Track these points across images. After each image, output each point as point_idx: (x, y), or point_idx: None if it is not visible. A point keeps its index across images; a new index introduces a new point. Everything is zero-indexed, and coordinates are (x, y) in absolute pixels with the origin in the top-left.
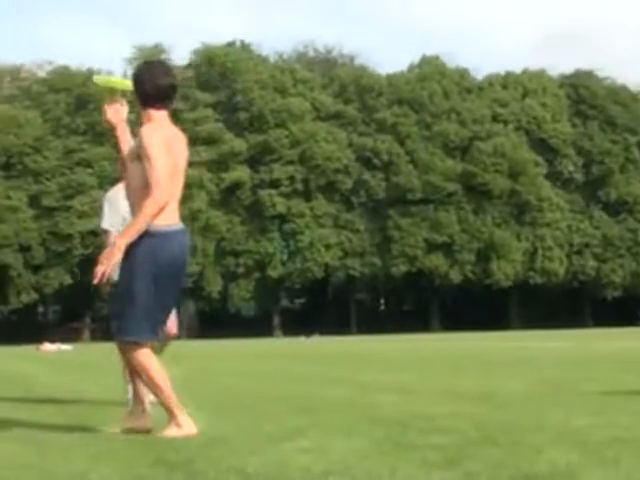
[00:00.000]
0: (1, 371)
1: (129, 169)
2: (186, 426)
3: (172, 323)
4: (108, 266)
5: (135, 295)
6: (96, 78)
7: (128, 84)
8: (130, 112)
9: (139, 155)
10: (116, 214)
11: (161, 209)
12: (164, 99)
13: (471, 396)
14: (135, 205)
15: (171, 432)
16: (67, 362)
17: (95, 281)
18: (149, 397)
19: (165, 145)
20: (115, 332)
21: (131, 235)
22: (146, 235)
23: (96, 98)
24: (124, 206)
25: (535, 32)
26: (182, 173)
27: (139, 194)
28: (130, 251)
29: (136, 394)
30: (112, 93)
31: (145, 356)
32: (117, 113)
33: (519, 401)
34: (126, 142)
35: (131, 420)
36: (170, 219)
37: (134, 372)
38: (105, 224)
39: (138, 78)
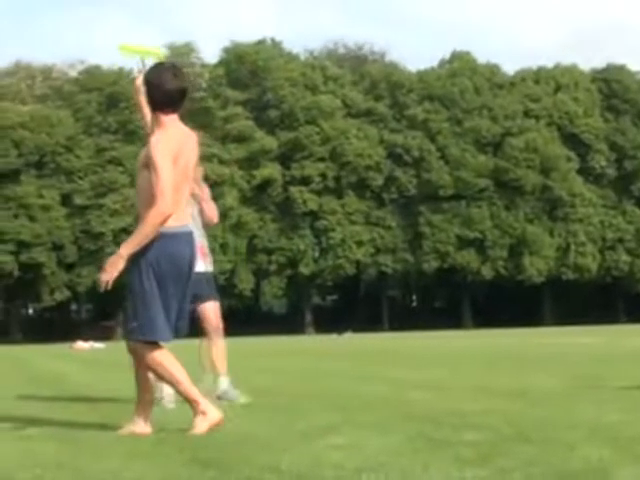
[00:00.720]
0: (35, 369)
1: (138, 176)
2: (210, 412)
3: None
4: (112, 274)
5: (145, 295)
6: (121, 47)
7: (156, 51)
8: None
9: (147, 164)
10: None
11: (165, 219)
12: (173, 103)
13: (504, 393)
14: (141, 212)
15: (200, 425)
16: (100, 360)
17: (100, 289)
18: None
19: (173, 154)
20: (127, 332)
21: (135, 244)
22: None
23: (127, 97)
24: None
25: (567, 26)
26: (192, 172)
27: (145, 202)
28: (138, 252)
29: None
30: (143, 59)
31: (157, 353)
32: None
33: (552, 397)
34: (147, 111)
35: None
36: (177, 220)
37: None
38: None
39: (148, 83)
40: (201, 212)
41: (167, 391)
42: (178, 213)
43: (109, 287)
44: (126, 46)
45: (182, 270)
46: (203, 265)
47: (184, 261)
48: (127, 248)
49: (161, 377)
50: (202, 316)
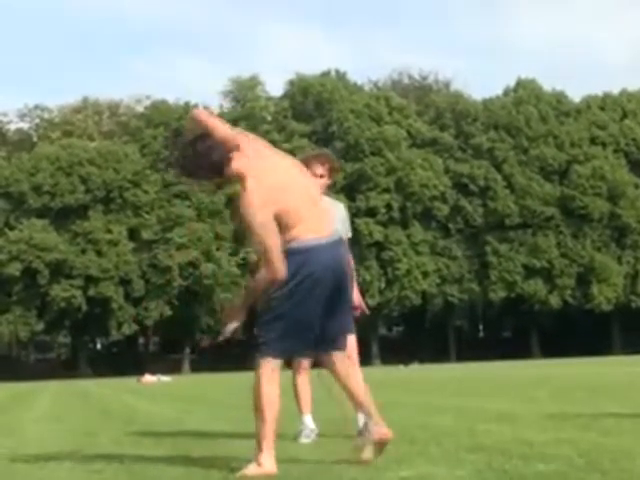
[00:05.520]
0: (104, 404)
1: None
2: (268, 466)
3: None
4: (232, 326)
5: (283, 315)
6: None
7: None
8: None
9: None
10: None
11: (274, 283)
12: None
13: (574, 422)
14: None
15: (250, 470)
16: (168, 393)
17: (220, 338)
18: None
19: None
20: (257, 347)
21: (250, 298)
22: (288, 253)
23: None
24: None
25: (632, 51)
26: (306, 186)
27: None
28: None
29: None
30: None
31: (268, 376)
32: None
33: (623, 427)
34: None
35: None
36: (315, 232)
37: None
38: None
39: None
40: None
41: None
42: (309, 227)
43: (228, 336)
44: None
45: (317, 285)
46: None
47: (322, 275)
48: (246, 301)
49: (253, 400)
50: None
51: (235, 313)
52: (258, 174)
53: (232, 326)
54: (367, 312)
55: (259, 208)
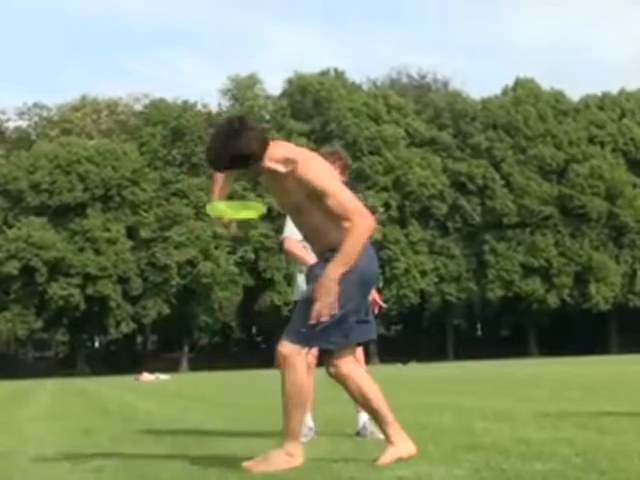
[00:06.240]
0: (102, 402)
1: (298, 221)
2: (297, 457)
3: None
4: (327, 303)
5: (341, 317)
6: (210, 208)
7: (252, 209)
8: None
9: (309, 197)
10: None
11: (371, 232)
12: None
13: (572, 421)
14: (322, 250)
15: (277, 458)
16: (166, 392)
17: (312, 321)
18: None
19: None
20: (301, 335)
21: (345, 264)
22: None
23: (191, 130)
24: None
25: (631, 50)
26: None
27: (327, 235)
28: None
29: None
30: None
31: (305, 365)
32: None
33: (621, 426)
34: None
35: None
36: None
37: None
38: (285, 233)
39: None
40: None
41: (309, 424)
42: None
43: (324, 319)
44: (217, 206)
45: (371, 286)
46: None
47: (374, 276)
48: (337, 269)
49: (291, 392)
50: None
51: (332, 285)
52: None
53: (327, 304)
54: (384, 307)
55: (332, 175)
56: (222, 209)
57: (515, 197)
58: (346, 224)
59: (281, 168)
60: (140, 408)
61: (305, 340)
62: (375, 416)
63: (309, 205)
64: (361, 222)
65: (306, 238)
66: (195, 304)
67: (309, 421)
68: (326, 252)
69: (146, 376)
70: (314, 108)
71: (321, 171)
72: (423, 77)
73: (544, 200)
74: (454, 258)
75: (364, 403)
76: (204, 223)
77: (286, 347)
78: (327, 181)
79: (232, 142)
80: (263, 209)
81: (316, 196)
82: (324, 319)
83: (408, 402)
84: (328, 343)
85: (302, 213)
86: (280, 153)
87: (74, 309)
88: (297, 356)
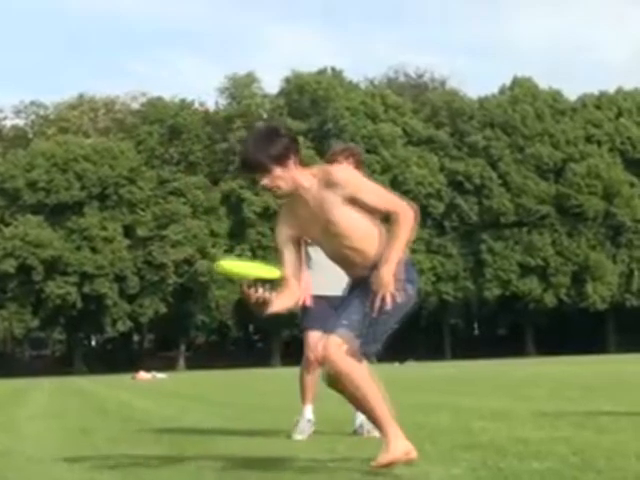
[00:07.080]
0: (99, 400)
1: (332, 240)
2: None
3: None
4: (389, 293)
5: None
6: (220, 265)
7: (264, 272)
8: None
9: (350, 203)
10: None
11: (416, 220)
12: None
13: (569, 420)
14: (358, 260)
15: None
16: (162, 390)
17: (374, 314)
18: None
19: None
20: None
21: (400, 252)
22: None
23: (189, 128)
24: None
25: (628, 50)
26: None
27: (366, 241)
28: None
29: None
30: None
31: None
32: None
33: (619, 426)
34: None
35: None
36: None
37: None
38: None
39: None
40: None
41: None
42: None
43: (386, 308)
44: (227, 266)
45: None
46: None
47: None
48: (393, 258)
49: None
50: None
51: (391, 278)
52: None
53: (385, 294)
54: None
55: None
56: (231, 268)
57: (512, 196)
58: (393, 216)
59: (311, 178)
60: (138, 407)
61: (360, 340)
62: (373, 416)
63: (347, 216)
64: (407, 210)
65: (342, 261)
66: (192, 303)
67: (309, 414)
68: (366, 270)
69: (143, 375)
70: (311, 107)
71: (354, 173)
72: (420, 76)
73: (541, 199)
74: (451, 257)
75: (361, 402)
76: (201, 222)
77: (338, 347)
78: (360, 179)
79: (267, 146)
80: (278, 273)
81: (352, 198)
82: (388, 308)
83: (405, 401)
84: (371, 345)
85: (337, 234)
86: (308, 171)
87: (71, 307)
88: (352, 354)
